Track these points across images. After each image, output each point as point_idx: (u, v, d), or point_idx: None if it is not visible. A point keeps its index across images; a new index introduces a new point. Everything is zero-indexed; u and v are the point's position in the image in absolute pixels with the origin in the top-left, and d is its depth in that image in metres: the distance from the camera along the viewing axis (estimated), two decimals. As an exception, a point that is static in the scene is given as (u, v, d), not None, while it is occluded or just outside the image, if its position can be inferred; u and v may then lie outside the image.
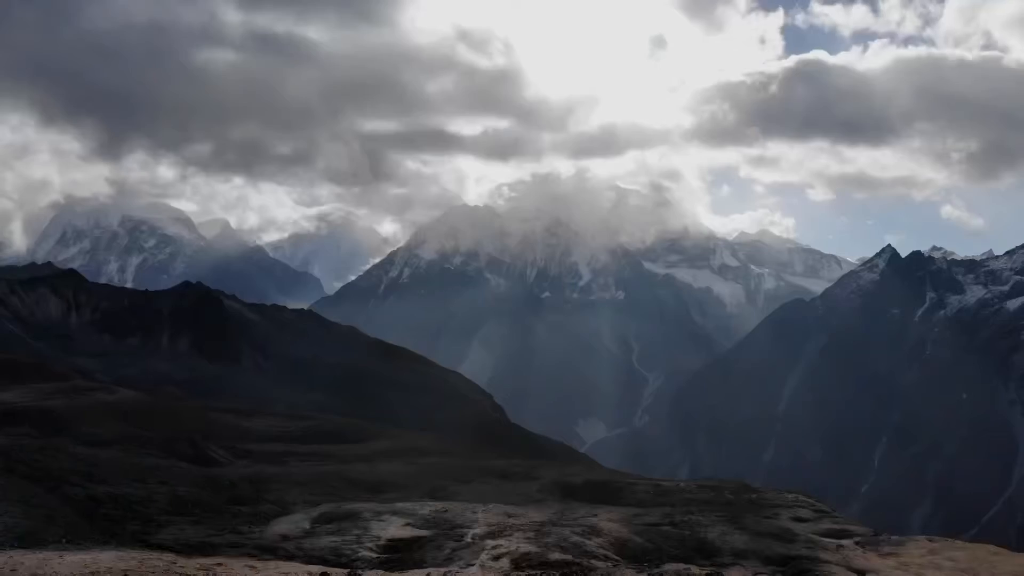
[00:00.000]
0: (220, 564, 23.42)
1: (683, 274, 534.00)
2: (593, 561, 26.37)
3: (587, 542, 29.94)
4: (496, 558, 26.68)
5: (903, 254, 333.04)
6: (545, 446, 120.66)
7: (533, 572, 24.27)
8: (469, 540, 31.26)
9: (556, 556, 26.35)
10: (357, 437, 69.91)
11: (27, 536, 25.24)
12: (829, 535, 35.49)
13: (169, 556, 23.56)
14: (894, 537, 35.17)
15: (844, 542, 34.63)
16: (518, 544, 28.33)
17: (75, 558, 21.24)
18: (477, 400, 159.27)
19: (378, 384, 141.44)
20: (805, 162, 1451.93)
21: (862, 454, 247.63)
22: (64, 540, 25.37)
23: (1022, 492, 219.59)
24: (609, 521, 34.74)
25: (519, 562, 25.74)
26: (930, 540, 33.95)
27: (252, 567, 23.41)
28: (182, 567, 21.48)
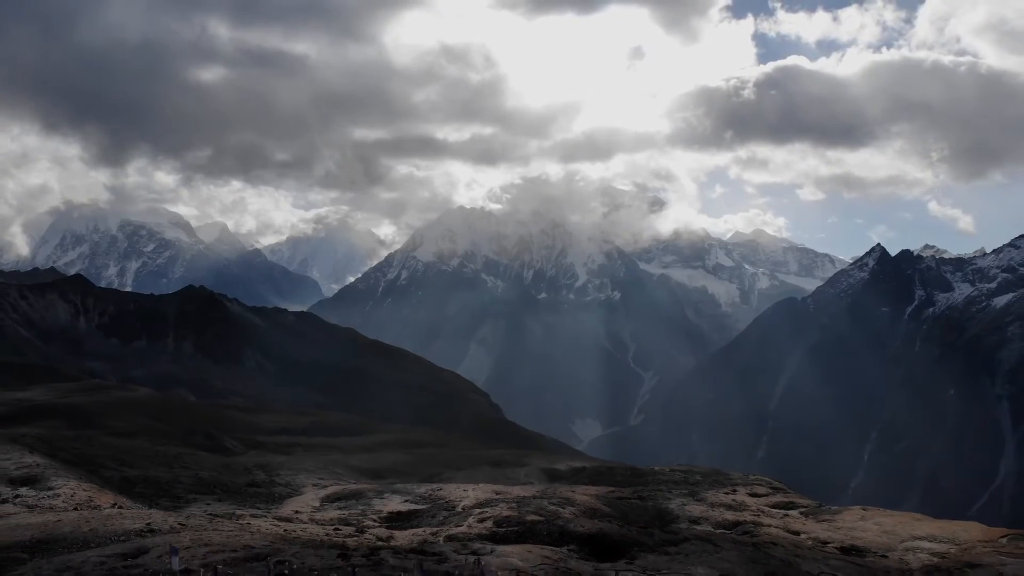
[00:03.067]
0: (249, 523, 28.05)
1: (678, 274, 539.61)
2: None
3: (561, 510, 34.49)
4: (481, 520, 31.27)
5: (900, 252, 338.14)
6: (538, 441, 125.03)
7: (512, 528, 28.94)
8: (460, 510, 35.81)
9: (532, 518, 30.98)
10: (358, 430, 74.49)
11: (84, 504, 29.86)
12: (778, 507, 40.10)
13: (206, 517, 28.19)
14: (833, 507, 39.83)
15: (790, 512, 39.25)
16: (501, 511, 32.85)
17: (133, 514, 25.83)
18: (474, 399, 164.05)
19: (378, 384, 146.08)
20: (791, 164, 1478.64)
21: (852, 449, 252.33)
22: (115, 506, 29.99)
23: (1008, 485, 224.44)
24: (584, 495, 39.26)
25: (500, 523, 30.36)
26: (863, 509, 38.62)
27: (276, 525, 28.10)
28: (220, 522, 26.15)
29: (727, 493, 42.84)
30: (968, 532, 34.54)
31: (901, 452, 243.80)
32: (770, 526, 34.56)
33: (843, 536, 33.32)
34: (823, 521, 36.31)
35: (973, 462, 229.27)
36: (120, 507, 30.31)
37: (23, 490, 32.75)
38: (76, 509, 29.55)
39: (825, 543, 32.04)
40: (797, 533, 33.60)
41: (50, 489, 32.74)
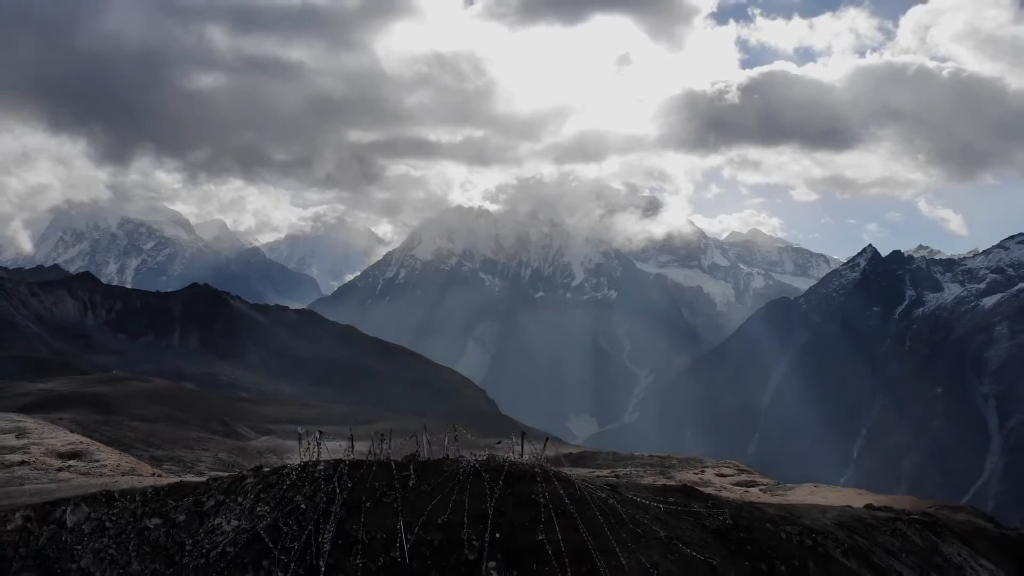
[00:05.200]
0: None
1: (674, 274, 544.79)
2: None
3: (543, 484, 39.17)
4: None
5: (891, 252, 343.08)
6: (531, 433, 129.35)
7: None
8: (453, 485, 40.52)
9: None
10: (361, 420, 79.10)
11: (129, 472, 34.37)
12: (740, 484, 44.59)
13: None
14: (788, 484, 44.41)
15: (750, 489, 43.79)
16: (490, 483, 37.51)
17: (174, 479, 30.35)
18: (470, 394, 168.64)
19: (377, 380, 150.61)
20: (783, 165, 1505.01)
21: (842, 445, 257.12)
22: (155, 475, 34.52)
23: (993, 481, 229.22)
24: (567, 472, 43.83)
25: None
26: (814, 486, 43.20)
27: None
28: (250, 486, 30.84)
29: (696, 473, 47.38)
30: (901, 503, 38.91)
31: (890, 448, 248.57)
32: (729, 498, 39.12)
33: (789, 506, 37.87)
34: (776, 496, 40.84)
35: (960, 459, 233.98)
36: (159, 475, 34.88)
37: (72, 462, 37.04)
38: (124, 475, 34.05)
39: (773, 511, 36.62)
40: (751, 504, 38.14)
41: (96, 461, 37.01)
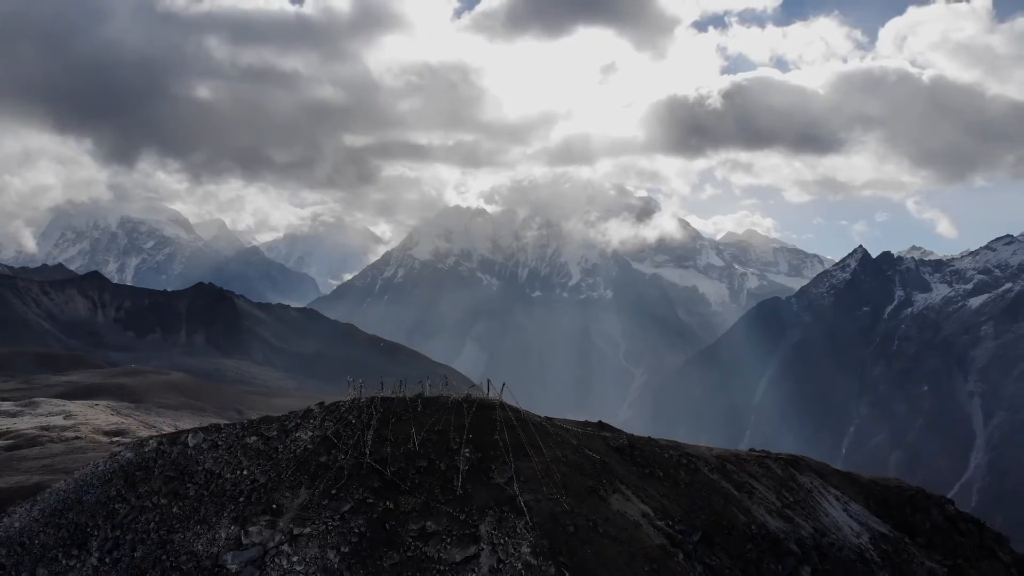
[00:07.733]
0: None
1: (669, 274, 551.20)
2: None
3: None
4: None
5: (881, 254, 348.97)
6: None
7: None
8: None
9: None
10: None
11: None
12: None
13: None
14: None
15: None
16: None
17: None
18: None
19: (376, 377, 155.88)
20: (773, 168, 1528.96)
21: (831, 442, 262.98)
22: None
23: (977, 477, 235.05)
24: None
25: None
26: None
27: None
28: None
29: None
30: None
31: (876, 445, 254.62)
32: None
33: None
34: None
35: (945, 455, 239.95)
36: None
37: (117, 439, 42.64)
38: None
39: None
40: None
41: (140, 438, 42.45)
